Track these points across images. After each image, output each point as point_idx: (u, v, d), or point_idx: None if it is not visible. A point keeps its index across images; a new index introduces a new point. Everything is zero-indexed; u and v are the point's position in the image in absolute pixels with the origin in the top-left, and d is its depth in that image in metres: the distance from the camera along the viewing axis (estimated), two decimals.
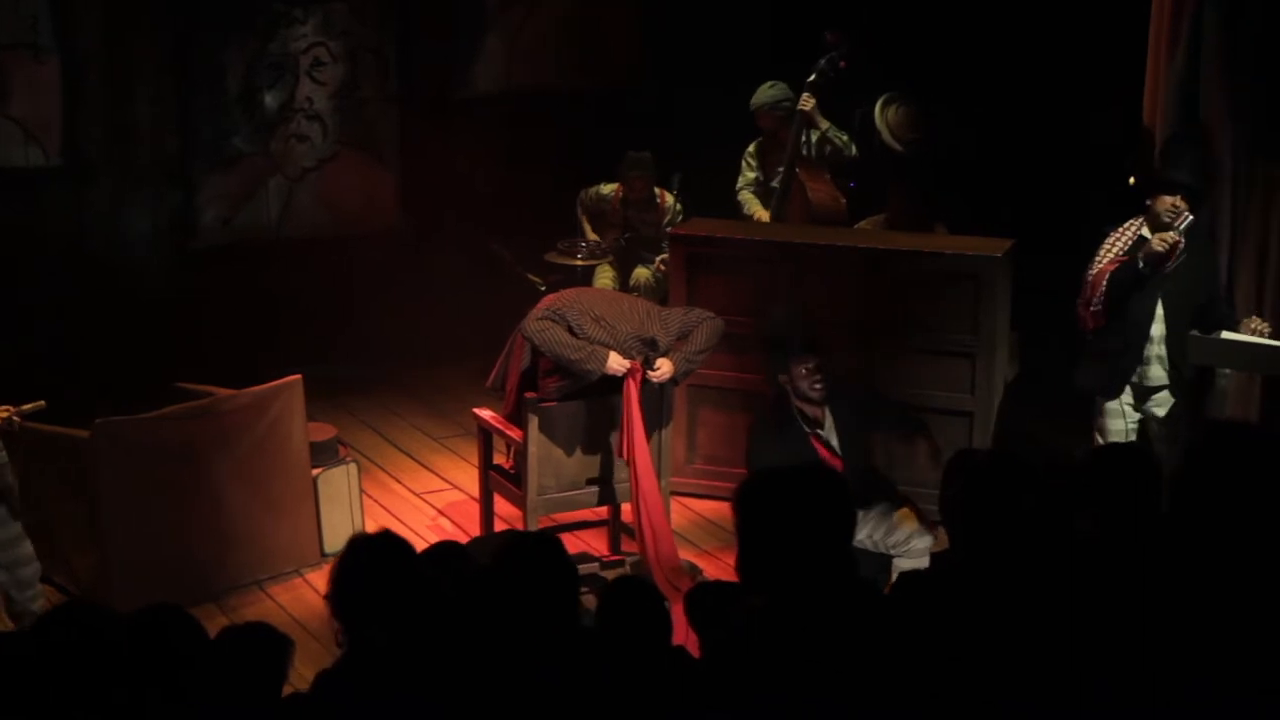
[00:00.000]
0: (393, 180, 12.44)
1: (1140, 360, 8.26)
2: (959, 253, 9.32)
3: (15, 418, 7.51)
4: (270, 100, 11.85)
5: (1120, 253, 8.21)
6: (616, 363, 8.30)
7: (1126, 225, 8.31)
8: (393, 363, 11.61)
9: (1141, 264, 8.05)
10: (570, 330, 8.36)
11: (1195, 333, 8.14)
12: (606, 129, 11.75)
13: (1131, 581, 4.85)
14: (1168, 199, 8.13)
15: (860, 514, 8.05)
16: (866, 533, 8.13)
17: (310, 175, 12.11)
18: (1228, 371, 8.62)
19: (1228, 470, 5.10)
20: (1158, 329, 8.22)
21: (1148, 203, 8.21)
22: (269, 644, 4.96)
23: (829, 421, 8.34)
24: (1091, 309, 8.21)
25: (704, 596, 5.55)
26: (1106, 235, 8.34)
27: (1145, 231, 8.22)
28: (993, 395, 9.27)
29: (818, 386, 8.24)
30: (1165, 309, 8.18)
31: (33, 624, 5.01)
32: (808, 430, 8.27)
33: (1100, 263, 8.24)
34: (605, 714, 4.52)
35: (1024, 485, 5.10)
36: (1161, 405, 8.33)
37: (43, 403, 7.84)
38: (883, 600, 4.64)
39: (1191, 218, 8.09)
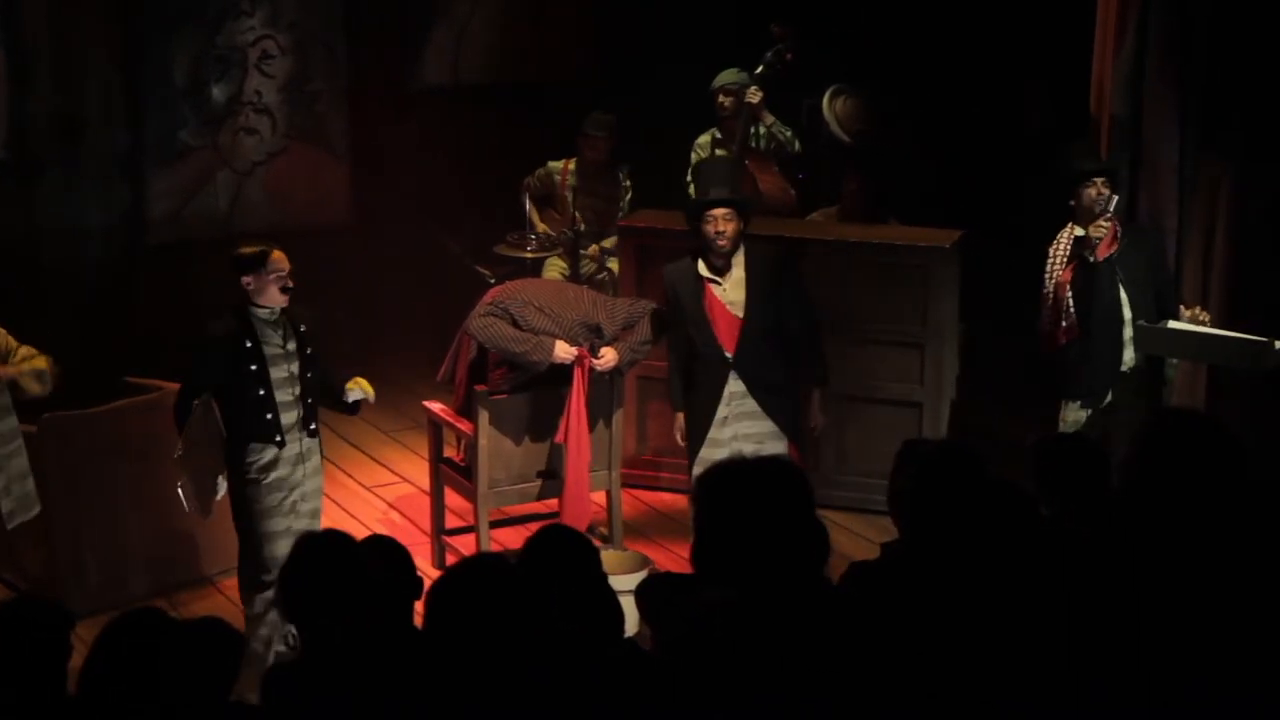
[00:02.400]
0: (343, 173, 12.41)
1: (1121, 351, 8.29)
2: (908, 244, 9.36)
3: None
4: (218, 93, 11.81)
5: (1064, 259, 8.24)
6: (563, 350, 8.31)
7: (1059, 235, 8.32)
8: (343, 356, 11.56)
9: (1091, 258, 8.09)
10: (514, 322, 8.36)
11: (1142, 322, 8.18)
12: (556, 121, 11.73)
13: (1082, 569, 4.88)
14: (1091, 190, 8.17)
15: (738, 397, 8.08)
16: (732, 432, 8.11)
17: (259, 169, 12.07)
18: (1175, 361, 8.67)
19: (1176, 458, 5.14)
20: (1127, 314, 8.26)
21: (1072, 203, 8.25)
22: (221, 639, 4.94)
23: (735, 276, 8.10)
24: (1064, 324, 8.22)
25: (656, 587, 5.56)
26: (1047, 252, 8.38)
27: (1079, 231, 8.26)
28: (942, 385, 9.30)
29: (721, 239, 7.98)
30: (1129, 296, 8.22)
31: None
32: (706, 277, 8.09)
33: (1051, 277, 8.27)
34: (566, 708, 4.51)
35: (972, 475, 5.13)
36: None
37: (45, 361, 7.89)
38: (834, 592, 4.65)
39: (1115, 197, 8.15)
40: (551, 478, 8.64)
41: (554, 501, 8.94)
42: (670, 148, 11.12)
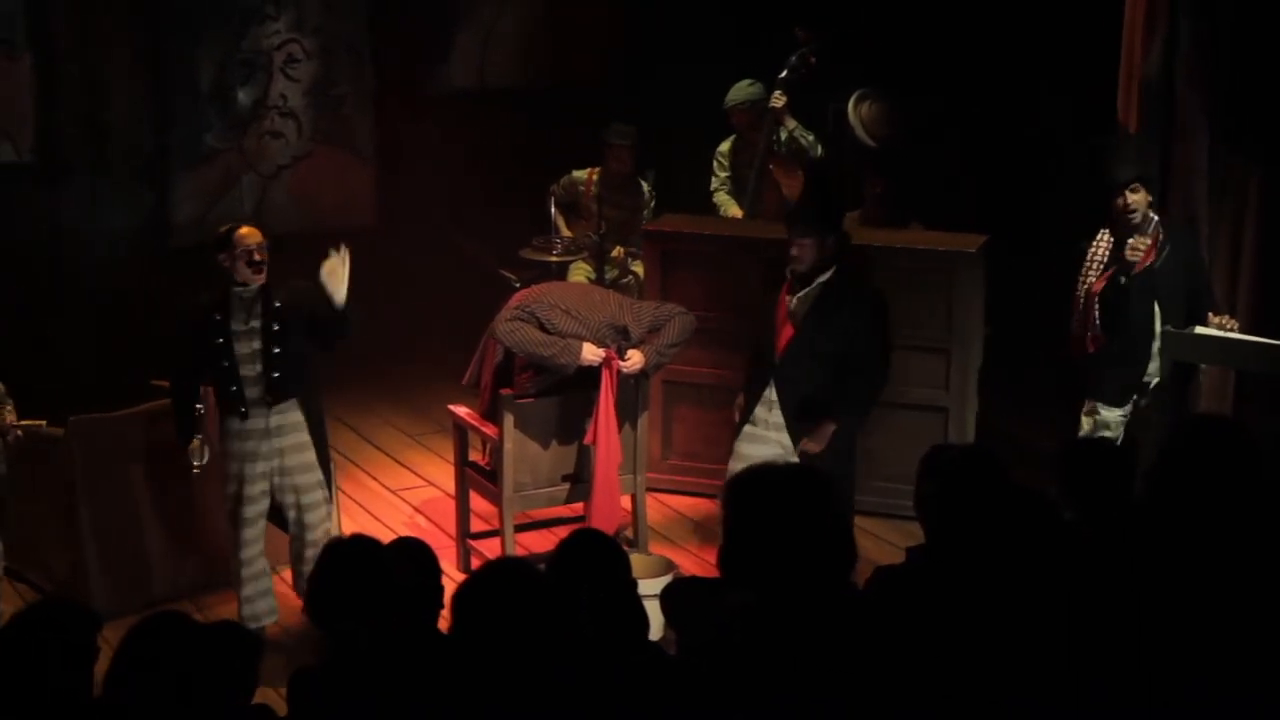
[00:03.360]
0: (368, 176, 12.43)
1: (1147, 362, 8.28)
2: (934, 249, 9.34)
3: (18, 429, 7.48)
4: (244, 97, 11.84)
5: (1100, 265, 8.23)
6: (590, 353, 8.31)
7: (1099, 236, 8.32)
8: (368, 360, 11.59)
9: (1123, 279, 8.08)
10: (541, 326, 8.36)
11: (1169, 328, 8.17)
12: (579, 125, 11.74)
13: (1108, 575, 4.87)
14: (1120, 200, 8.15)
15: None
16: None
17: (284, 172, 12.10)
18: (1203, 367, 8.65)
19: (1204, 465, 5.13)
20: (1158, 326, 8.24)
21: (1109, 212, 8.24)
22: (242, 642, 4.94)
23: (813, 290, 8.03)
24: (1090, 333, 8.22)
25: (681, 592, 5.55)
26: (1084, 251, 8.37)
27: (1121, 234, 8.25)
28: (967, 390, 9.29)
29: (795, 263, 7.94)
30: (1161, 308, 8.20)
31: (9, 621, 4.99)
32: (789, 280, 8.05)
33: (1085, 281, 8.26)
34: (590, 712, 4.52)
35: (996, 481, 5.13)
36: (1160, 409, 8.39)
37: (43, 421, 7.82)
38: (859, 596, 4.64)
39: (1156, 219, 8.12)
40: (577, 482, 8.63)
41: (580, 505, 8.94)
42: (693, 151, 11.13)
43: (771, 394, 8.06)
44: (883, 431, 9.37)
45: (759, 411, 8.11)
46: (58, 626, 4.80)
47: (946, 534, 5.00)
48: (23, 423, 7.58)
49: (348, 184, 12.34)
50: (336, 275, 7.83)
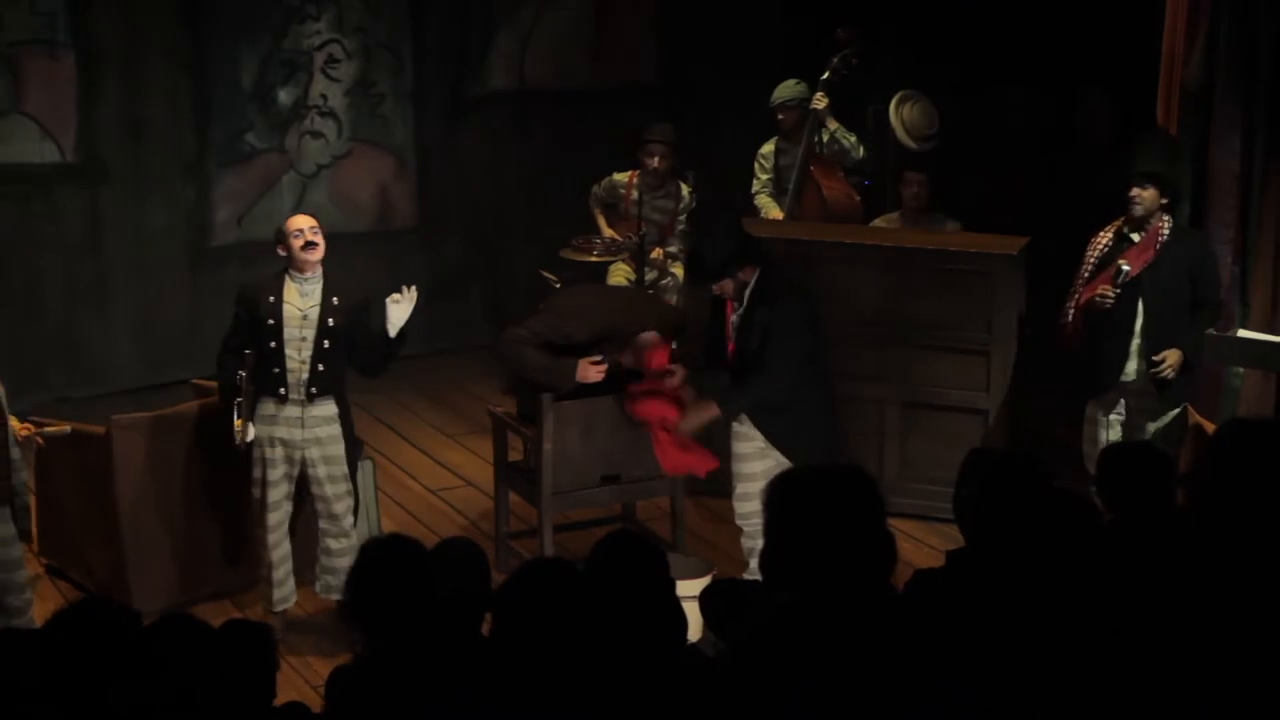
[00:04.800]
0: (407, 176, 12.45)
1: (1124, 358, 8.30)
2: (975, 250, 9.31)
3: (38, 438, 7.48)
4: (284, 97, 11.88)
5: (1099, 259, 8.30)
6: (582, 373, 8.33)
7: (1108, 227, 8.35)
8: (408, 360, 11.61)
9: (1114, 291, 8.20)
10: (550, 343, 8.39)
11: (1211, 331, 8.15)
12: (619, 127, 11.75)
13: (1149, 579, 4.85)
14: (1128, 191, 8.23)
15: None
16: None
17: (324, 172, 12.13)
18: (1241, 370, 8.62)
19: (1247, 468, 5.11)
20: (1139, 324, 8.28)
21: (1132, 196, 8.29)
22: (251, 640, 4.92)
23: (744, 306, 8.04)
24: (1071, 336, 8.38)
25: (720, 593, 5.54)
26: (1091, 237, 8.40)
27: (1127, 229, 8.30)
28: (1007, 393, 9.26)
29: (723, 292, 8.03)
30: (1145, 310, 8.24)
31: (50, 619, 5.00)
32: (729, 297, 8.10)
33: (1084, 269, 8.32)
34: (627, 714, 4.51)
35: (1037, 484, 5.11)
36: (1149, 414, 8.39)
37: (68, 428, 7.85)
38: (899, 599, 4.64)
39: (1129, 269, 8.12)
40: (617, 483, 8.63)
41: (618, 506, 8.96)
42: (735, 152, 11.12)
43: None
44: (922, 434, 9.37)
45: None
46: (97, 625, 4.80)
47: (986, 538, 4.98)
48: (46, 430, 7.60)
49: (387, 184, 12.37)
50: (401, 307, 8.07)
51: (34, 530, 7.83)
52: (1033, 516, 4.90)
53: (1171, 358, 8.22)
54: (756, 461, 8.10)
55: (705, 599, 5.53)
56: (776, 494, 4.36)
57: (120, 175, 11.34)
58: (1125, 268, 8.14)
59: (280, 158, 11.94)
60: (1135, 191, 8.19)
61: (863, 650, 4.20)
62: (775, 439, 8.08)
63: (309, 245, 7.97)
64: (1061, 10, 10.81)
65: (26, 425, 7.54)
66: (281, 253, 8.04)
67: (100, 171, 11.28)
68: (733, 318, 8.06)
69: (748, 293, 7.98)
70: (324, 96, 12.01)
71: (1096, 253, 8.38)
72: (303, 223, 8.06)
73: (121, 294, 11.44)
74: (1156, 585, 4.86)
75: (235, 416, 7.94)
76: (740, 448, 8.18)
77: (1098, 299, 8.21)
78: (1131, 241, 8.28)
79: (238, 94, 11.68)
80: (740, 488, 8.17)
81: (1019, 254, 9.23)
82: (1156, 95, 9.03)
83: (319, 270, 8.02)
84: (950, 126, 10.69)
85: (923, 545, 8.88)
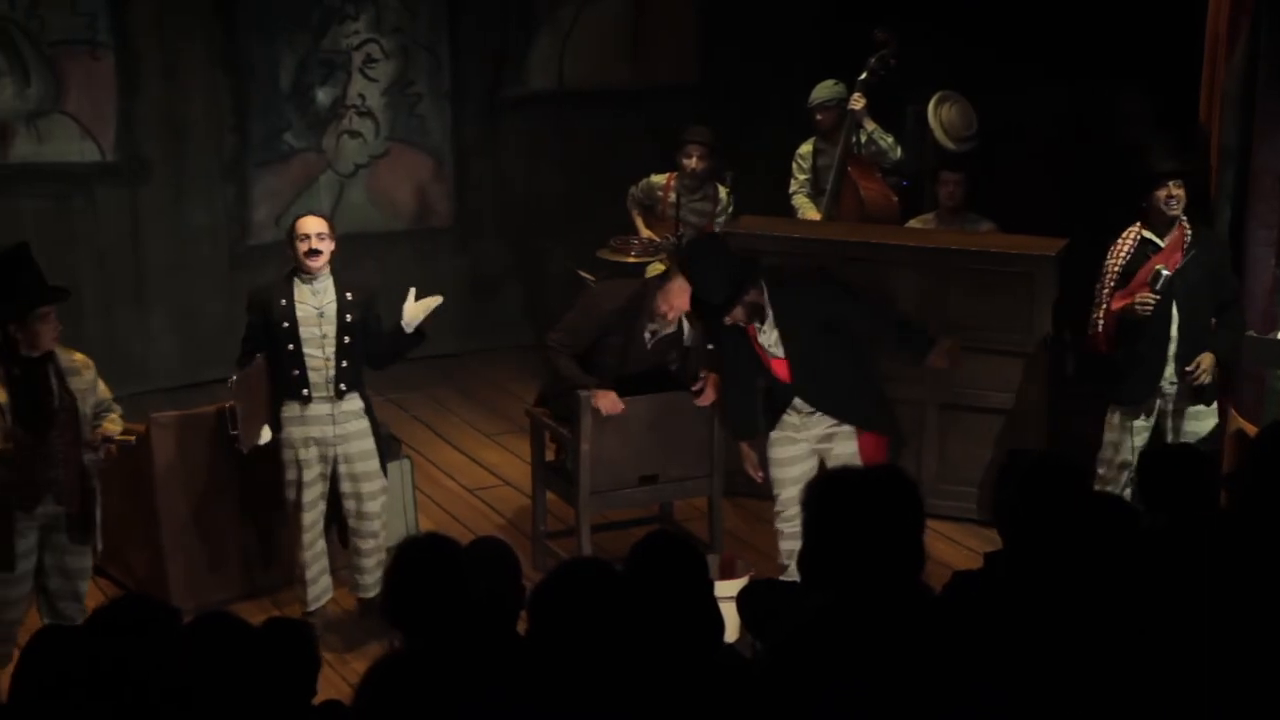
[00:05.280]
0: (444, 176, 12.47)
1: (1163, 363, 8.25)
2: (1014, 252, 9.28)
3: (112, 445, 7.43)
4: (323, 97, 11.90)
5: (1123, 262, 8.24)
6: (598, 400, 8.36)
7: (1124, 236, 8.29)
8: (446, 360, 11.65)
9: (1141, 315, 8.13)
10: (581, 351, 8.52)
11: (1252, 333, 8.10)
12: (657, 127, 11.75)
13: (1190, 583, 4.83)
14: (1162, 191, 8.14)
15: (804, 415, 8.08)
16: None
17: (362, 171, 12.16)
18: None
19: None
20: (1174, 330, 8.22)
21: (1143, 205, 8.21)
22: (292, 638, 4.92)
23: (769, 319, 8.00)
24: (1104, 343, 8.30)
25: (757, 594, 5.54)
26: (1111, 244, 8.35)
27: (1146, 233, 8.23)
28: (1045, 394, 9.22)
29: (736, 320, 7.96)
30: (1179, 312, 8.18)
31: (90, 616, 5.01)
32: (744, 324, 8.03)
33: (1108, 277, 8.27)
34: (664, 714, 4.51)
35: (1075, 487, 5.09)
36: (1192, 417, 8.33)
37: (134, 438, 7.86)
38: (937, 601, 4.63)
39: (1167, 273, 8.05)
40: (655, 483, 8.63)
41: (655, 506, 8.96)
42: (773, 152, 11.10)
43: (799, 405, 8.08)
44: (959, 435, 9.34)
45: (789, 418, 8.11)
46: (137, 621, 4.82)
47: (1025, 540, 4.96)
48: (119, 437, 7.53)
49: (424, 184, 12.39)
50: (424, 304, 8.15)
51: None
52: (1072, 519, 4.88)
53: (1205, 362, 8.17)
54: (797, 465, 8.07)
55: (743, 600, 5.53)
56: (816, 495, 4.35)
57: (159, 174, 11.39)
58: (1164, 272, 8.06)
59: (318, 157, 11.97)
60: (1174, 191, 8.12)
61: (901, 652, 4.19)
62: (858, 421, 8.09)
63: (312, 253, 7.98)
64: (1101, 7, 10.76)
65: (96, 433, 7.46)
66: (289, 253, 8.10)
67: (139, 170, 11.32)
68: (760, 338, 8.00)
69: (767, 308, 7.94)
70: (362, 96, 12.03)
71: (1120, 260, 8.28)
72: (310, 227, 8.05)
73: (160, 292, 11.48)
74: (1198, 588, 4.84)
75: (231, 424, 8.00)
76: (779, 452, 8.16)
77: (1137, 306, 8.12)
78: (1156, 245, 8.21)
79: (276, 93, 11.71)
80: (782, 493, 8.14)
81: (1058, 255, 9.20)
82: (1198, 93, 8.98)
83: (327, 269, 8.05)
84: (988, 127, 10.66)
85: (961, 547, 8.86)
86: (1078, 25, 10.92)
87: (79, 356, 7.42)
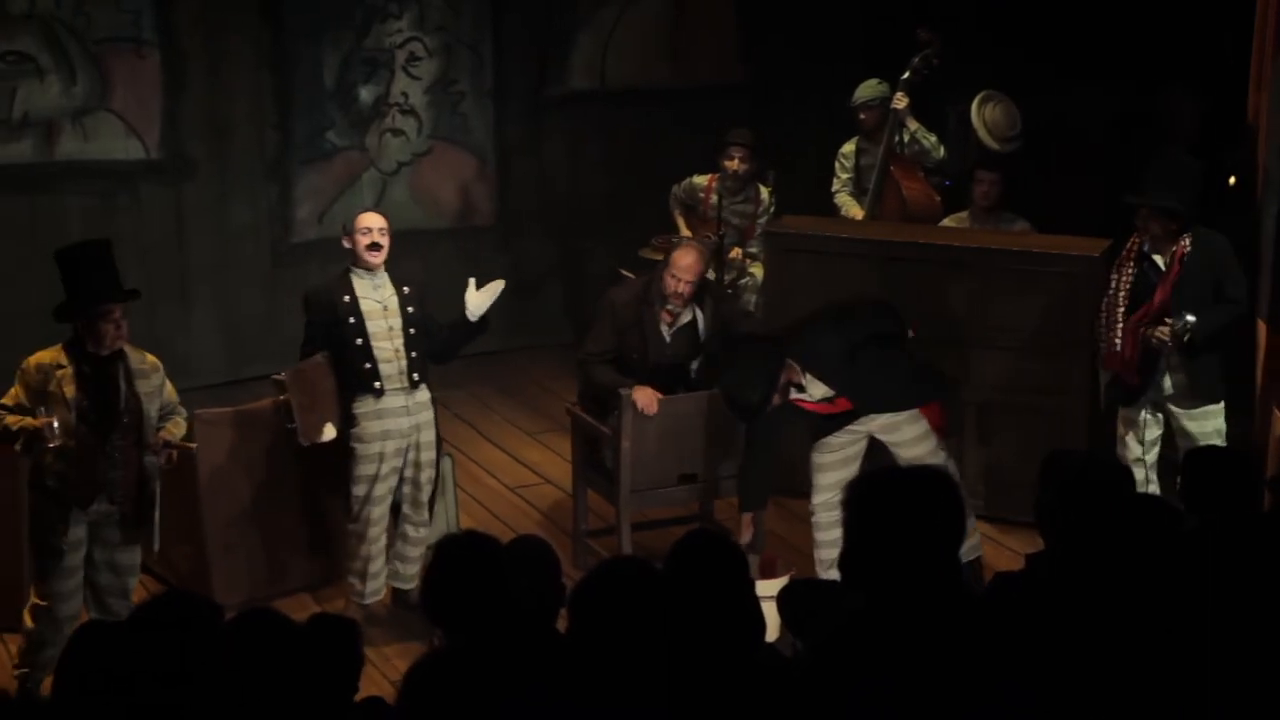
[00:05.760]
0: (487, 174, 12.49)
1: (1167, 369, 8.24)
2: (1057, 252, 9.25)
3: (173, 452, 7.44)
4: (365, 95, 11.94)
5: (1128, 283, 8.20)
6: (636, 395, 8.38)
7: (1129, 247, 8.28)
8: (487, 358, 11.66)
9: (1170, 344, 8.08)
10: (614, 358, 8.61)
11: None
12: (700, 126, 11.75)
13: (1234, 585, 4.81)
14: (1138, 218, 8.16)
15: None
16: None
17: (404, 169, 12.18)
18: None
19: None
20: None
21: (1137, 224, 8.21)
22: (337, 635, 4.93)
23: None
24: (1133, 373, 8.24)
25: (798, 594, 5.54)
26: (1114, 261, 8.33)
27: (1146, 248, 8.20)
28: (1087, 395, 9.19)
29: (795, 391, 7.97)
30: (1184, 307, 8.14)
31: (133, 612, 5.04)
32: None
33: (1119, 303, 8.22)
34: (705, 713, 4.51)
35: (1118, 488, 5.08)
36: (1192, 418, 8.31)
37: (194, 446, 7.88)
38: (979, 602, 4.62)
39: (1192, 319, 8.00)
40: (695, 481, 8.63)
41: (695, 505, 8.95)
42: (816, 150, 11.09)
43: (862, 415, 8.10)
44: (1001, 436, 9.31)
45: (835, 439, 8.13)
46: (180, 617, 4.83)
47: (1067, 541, 4.95)
48: (180, 443, 7.55)
49: (467, 182, 12.42)
50: (488, 290, 8.25)
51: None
52: (1114, 520, 4.86)
53: (1181, 323, 8.07)
54: (838, 470, 8.05)
55: (783, 599, 5.53)
56: (858, 494, 4.35)
57: (203, 172, 11.44)
58: (1189, 318, 8.00)
59: (361, 155, 12.00)
60: (1143, 223, 8.12)
61: (942, 653, 4.18)
62: (915, 399, 8.14)
63: (373, 247, 8.07)
64: (1147, 5, 10.71)
65: (158, 436, 7.46)
66: (346, 245, 8.14)
67: (184, 168, 11.37)
68: (807, 400, 7.98)
69: (808, 378, 7.92)
70: (405, 94, 12.06)
71: (1126, 283, 8.25)
72: (372, 221, 8.14)
73: (203, 290, 11.53)
74: (1242, 590, 4.82)
75: (286, 418, 8.02)
76: (822, 457, 8.16)
77: (1155, 342, 8.11)
78: (1155, 264, 8.15)
79: (319, 92, 11.75)
80: (818, 497, 8.14)
81: (1101, 256, 9.16)
82: (1246, 92, 8.93)
83: (382, 265, 8.12)
84: (1031, 127, 10.63)
85: (1002, 548, 8.83)
86: (1124, 25, 10.88)
87: (150, 358, 7.47)
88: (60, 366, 7.20)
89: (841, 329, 8.05)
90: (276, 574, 8.57)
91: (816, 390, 7.95)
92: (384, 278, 8.14)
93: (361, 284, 8.09)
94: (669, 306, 8.60)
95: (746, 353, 8.05)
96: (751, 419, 7.98)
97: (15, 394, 7.26)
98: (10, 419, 7.18)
